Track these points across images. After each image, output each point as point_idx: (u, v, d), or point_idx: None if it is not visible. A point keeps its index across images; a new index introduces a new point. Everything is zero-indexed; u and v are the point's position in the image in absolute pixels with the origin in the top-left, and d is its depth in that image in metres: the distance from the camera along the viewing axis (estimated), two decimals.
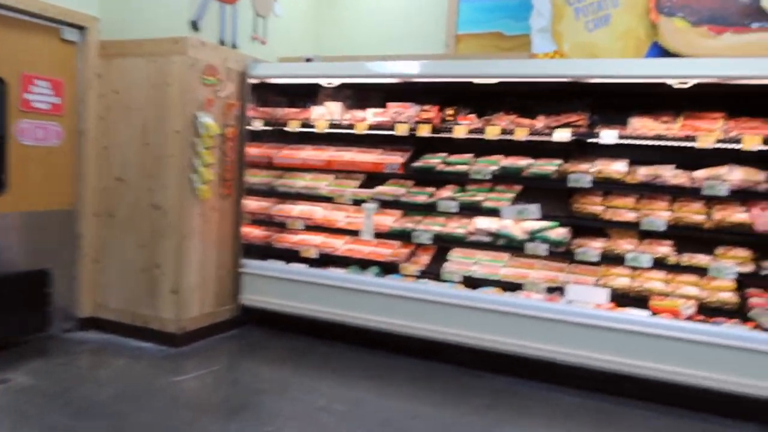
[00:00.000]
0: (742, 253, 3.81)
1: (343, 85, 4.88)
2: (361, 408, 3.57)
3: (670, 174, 3.91)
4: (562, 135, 4.07)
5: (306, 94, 5.09)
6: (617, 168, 4.05)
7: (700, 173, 3.85)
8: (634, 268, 4.05)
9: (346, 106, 4.91)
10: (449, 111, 4.50)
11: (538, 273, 4.28)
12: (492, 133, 4.24)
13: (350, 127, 4.66)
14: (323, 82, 4.83)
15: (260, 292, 4.84)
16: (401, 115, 4.57)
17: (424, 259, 4.67)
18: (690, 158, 3.94)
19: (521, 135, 4.18)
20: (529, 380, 4.07)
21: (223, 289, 4.81)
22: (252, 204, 5.01)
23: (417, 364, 4.30)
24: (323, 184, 4.87)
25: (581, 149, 4.27)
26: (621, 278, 4.06)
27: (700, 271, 3.83)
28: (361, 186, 4.84)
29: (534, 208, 4.15)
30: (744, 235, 3.72)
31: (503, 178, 4.29)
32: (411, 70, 4.38)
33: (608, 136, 3.96)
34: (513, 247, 4.25)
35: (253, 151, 4.98)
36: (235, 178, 4.81)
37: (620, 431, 3.47)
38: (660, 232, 3.87)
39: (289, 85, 5.00)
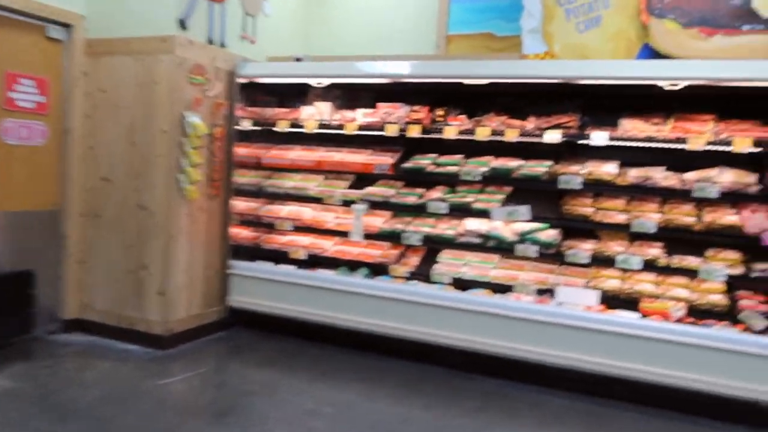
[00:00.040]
0: (732, 255, 3.81)
1: (333, 85, 4.85)
2: (351, 411, 3.54)
3: (660, 176, 3.92)
4: (553, 136, 4.07)
5: (295, 94, 5.05)
6: (608, 170, 4.05)
7: (690, 175, 3.86)
8: (625, 270, 4.06)
9: (336, 106, 4.88)
10: (439, 112, 4.48)
11: (528, 275, 4.26)
12: (482, 134, 4.23)
13: (340, 127, 4.63)
14: (313, 81, 4.80)
15: (248, 293, 4.79)
16: (391, 116, 4.55)
17: (414, 260, 4.65)
18: (680, 160, 3.94)
19: (512, 136, 4.17)
20: (520, 383, 4.06)
21: (211, 290, 4.76)
22: (240, 204, 4.97)
23: (408, 367, 4.27)
24: (312, 184, 4.83)
25: (572, 151, 4.27)
26: (611, 280, 4.06)
27: (691, 273, 3.84)
28: (351, 187, 4.81)
29: (524, 210, 4.15)
30: (734, 237, 3.72)
31: (493, 179, 4.28)
32: (401, 70, 4.36)
33: (599, 137, 3.96)
34: (503, 248, 4.24)
35: (241, 151, 4.94)
36: (223, 179, 4.76)
37: None
38: (650, 234, 3.87)
39: (278, 84, 4.96)
